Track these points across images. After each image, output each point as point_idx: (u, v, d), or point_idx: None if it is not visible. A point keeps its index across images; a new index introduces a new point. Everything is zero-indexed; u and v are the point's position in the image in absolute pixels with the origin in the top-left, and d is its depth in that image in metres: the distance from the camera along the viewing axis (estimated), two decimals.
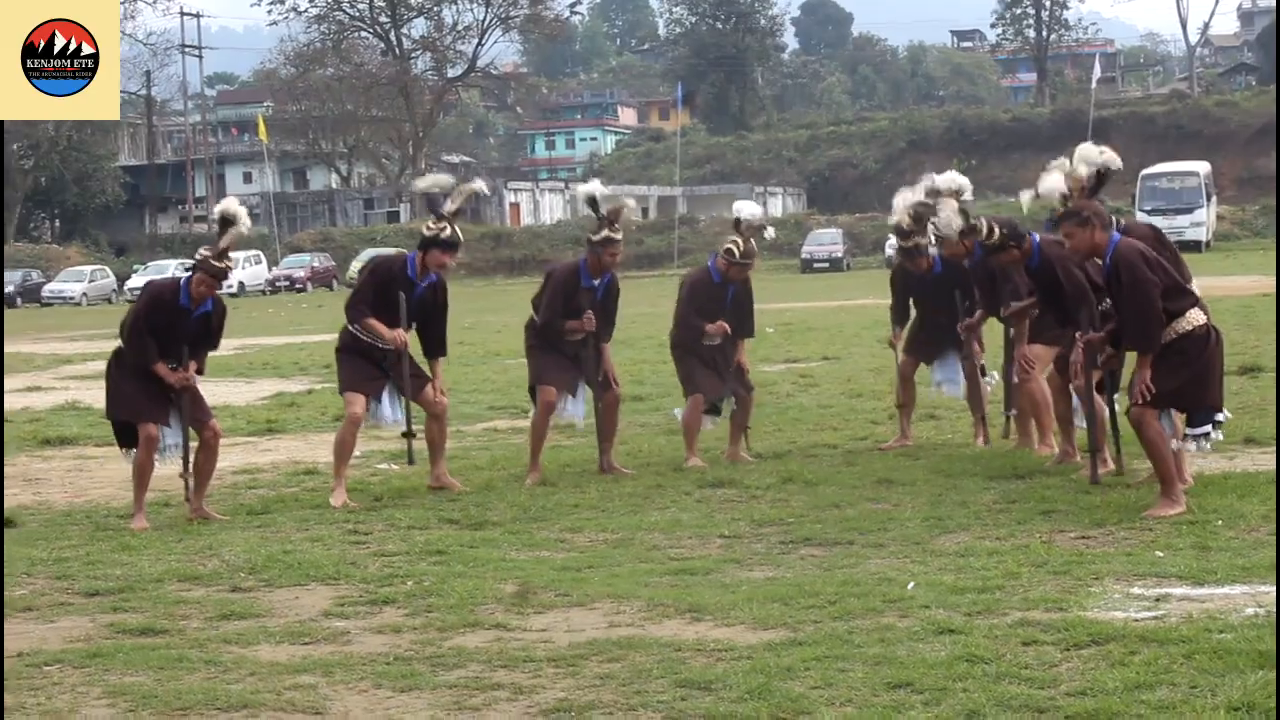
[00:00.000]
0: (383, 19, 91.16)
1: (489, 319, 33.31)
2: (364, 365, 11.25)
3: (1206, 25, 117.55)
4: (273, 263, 73.68)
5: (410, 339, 11.32)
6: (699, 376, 12.19)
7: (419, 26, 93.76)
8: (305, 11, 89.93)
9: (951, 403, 13.67)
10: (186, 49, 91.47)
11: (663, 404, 15.73)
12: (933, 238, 12.17)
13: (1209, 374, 9.36)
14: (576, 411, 11.99)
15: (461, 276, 69.98)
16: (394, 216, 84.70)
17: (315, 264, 73.47)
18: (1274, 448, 11.53)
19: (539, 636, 7.11)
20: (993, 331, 12.72)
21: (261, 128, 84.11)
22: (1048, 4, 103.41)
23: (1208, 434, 9.42)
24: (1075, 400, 10.61)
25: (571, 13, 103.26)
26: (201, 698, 6.29)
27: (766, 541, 9.21)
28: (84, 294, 68.46)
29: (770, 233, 12.61)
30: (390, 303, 11.16)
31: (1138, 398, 9.21)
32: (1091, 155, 9.92)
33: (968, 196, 12.04)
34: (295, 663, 6.81)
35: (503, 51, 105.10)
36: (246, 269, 67.50)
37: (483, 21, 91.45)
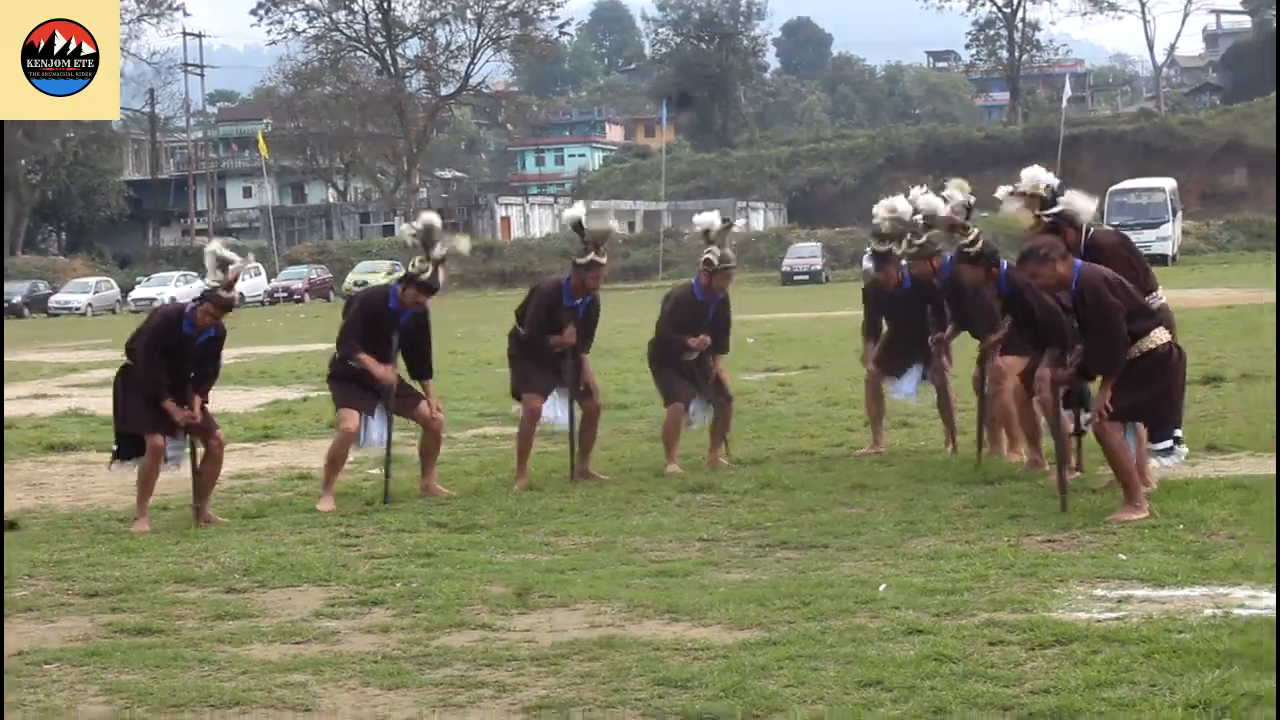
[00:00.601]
0: (378, 39, 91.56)
1: (480, 329, 33.36)
2: (356, 387, 11.58)
3: (1173, 46, 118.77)
4: (271, 274, 73.90)
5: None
6: (677, 386, 12.40)
7: (413, 46, 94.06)
8: (304, 32, 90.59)
9: (925, 411, 13.82)
10: (189, 67, 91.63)
11: (646, 412, 15.87)
12: (903, 260, 12.41)
13: (1171, 391, 9.52)
14: (560, 415, 12.18)
15: (454, 288, 70.08)
16: (389, 230, 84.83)
17: (313, 276, 73.99)
18: (1238, 454, 11.76)
19: (522, 636, 7.24)
20: (966, 346, 12.85)
21: (261, 144, 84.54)
22: (1020, 26, 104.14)
23: (1169, 449, 9.58)
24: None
25: (561, 33, 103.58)
26: (195, 695, 6.42)
27: (744, 545, 9.35)
28: (89, 305, 68.93)
29: (738, 224, 12.78)
30: (378, 335, 11.53)
31: (1097, 417, 9.38)
32: (1039, 177, 10.15)
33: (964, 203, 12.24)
34: (286, 661, 6.95)
35: (494, 71, 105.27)
36: (246, 280, 67.47)
37: (475, 42, 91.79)
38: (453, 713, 6.18)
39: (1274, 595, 7.21)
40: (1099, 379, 9.58)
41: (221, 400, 18.66)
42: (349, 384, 11.61)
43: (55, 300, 69.52)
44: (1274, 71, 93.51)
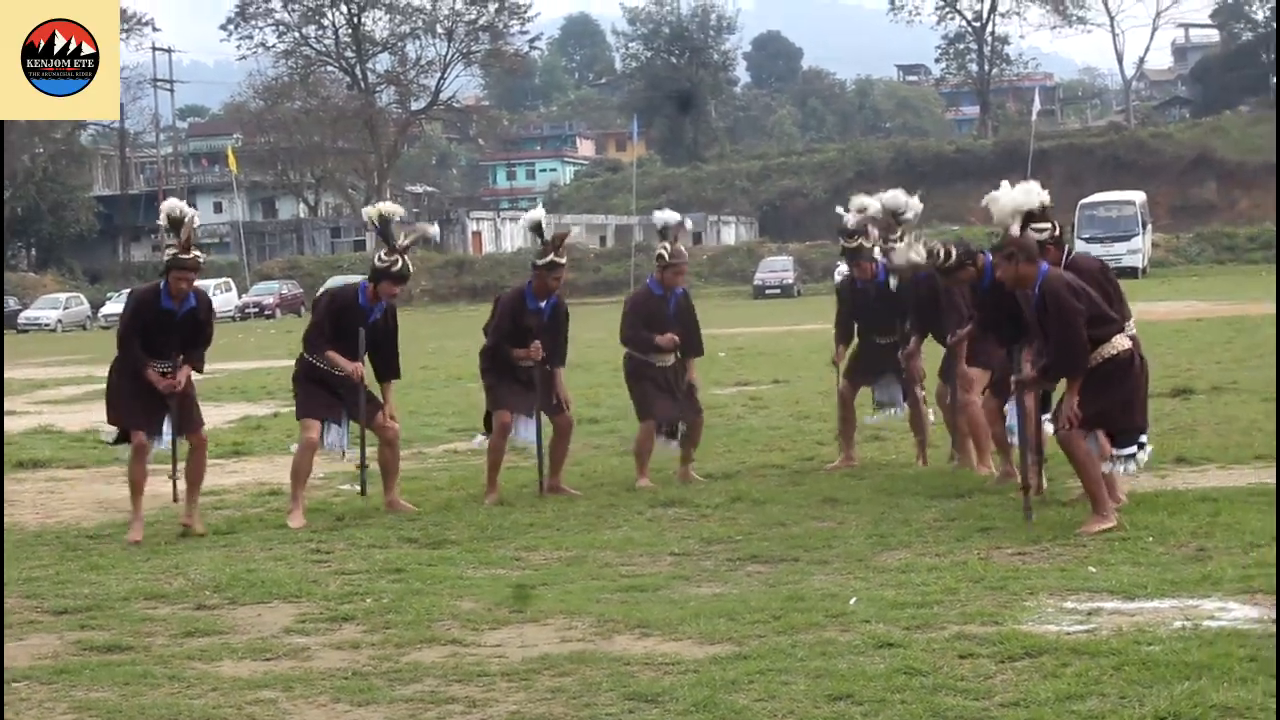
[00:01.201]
0: (348, 54, 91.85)
1: (450, 344, 33.37)
2: (320, 392, 11.53)
3: (1142, 60, 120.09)
4: (242, 290, 73.92)
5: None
6: (652, 400, 12.40)
7: (383, 61, 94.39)
8: (274, 47, 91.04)
9: (895, 425, 13.84)
10: (159, 83, 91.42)
11: (617, 427, 15.88)
12: (879, 253, 12.49)
13: (1133, 397, 9.59)
14: (529, 435, 12.20)
15: (425, 303, 70.16)
16: (360, 245, 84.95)
17: (284, 291, 73.95)
18: (1206, 466, 11.83)
19: (493, 651, 7.23)
20: (932, 356, 12.87)
21: (231, 159, 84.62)
22: (989, 39, 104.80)
23: (1133, 455, 9.63)
24: (1010, 420, 10.76)
25: (531, 48, 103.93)
26: (165, 713, 6.40)
27: (715, 559, 9.36)
28: (59, 320, 68.87)
29: (689, 223, 12.93)
30: (345, 332, 11.48)
31: (1064, 423, 9.44)
32: (1032, 193, 10.20)
33: (909, 216, 12.38)
34: (257, 678, 6.92)
35: (465, 85, 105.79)
36: (217, 296, 67.46)
37: (445, 56, 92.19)
38: None
39: (1249, 606, 7.27)
40: (1062, 383, 9.64)
41: None
42: (313, 386, 11.55)
43: (25, 316, 69.47)
44: (1242, 85, 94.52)
